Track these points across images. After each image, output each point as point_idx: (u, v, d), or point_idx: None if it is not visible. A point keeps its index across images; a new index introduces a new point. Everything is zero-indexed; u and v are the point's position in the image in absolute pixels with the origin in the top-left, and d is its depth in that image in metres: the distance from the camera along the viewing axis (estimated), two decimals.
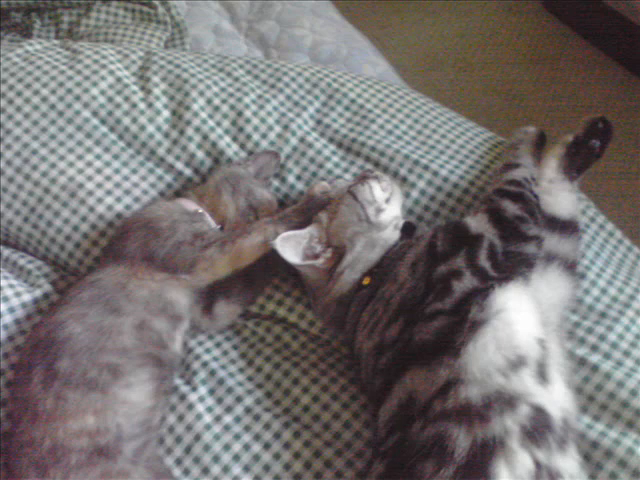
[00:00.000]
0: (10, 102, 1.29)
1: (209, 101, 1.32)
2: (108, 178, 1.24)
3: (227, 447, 0.99)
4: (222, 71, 1.39)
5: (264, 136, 1.30)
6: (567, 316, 1.06)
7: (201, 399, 1.04)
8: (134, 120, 1.30)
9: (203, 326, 1.12)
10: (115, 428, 0.91)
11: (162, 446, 1.00)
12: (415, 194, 1.22)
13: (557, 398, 0.85)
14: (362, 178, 1.10)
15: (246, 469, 0.97)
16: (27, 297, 1.12)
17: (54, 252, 1.21)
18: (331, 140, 1.31)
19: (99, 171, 1.24)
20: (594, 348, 1.03)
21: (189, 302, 1.07)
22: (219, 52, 1.68)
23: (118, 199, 1.22)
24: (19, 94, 1.30)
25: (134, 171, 1.26)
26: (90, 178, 1.23)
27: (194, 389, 1.05)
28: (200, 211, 1.14)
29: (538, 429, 0.80)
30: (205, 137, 1.29)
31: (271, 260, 1.07)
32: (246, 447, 0.99)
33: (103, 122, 1.30)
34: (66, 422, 0.90)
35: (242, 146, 1.29)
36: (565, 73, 2.54)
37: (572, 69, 2.54)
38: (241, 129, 1.30)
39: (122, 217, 1.20)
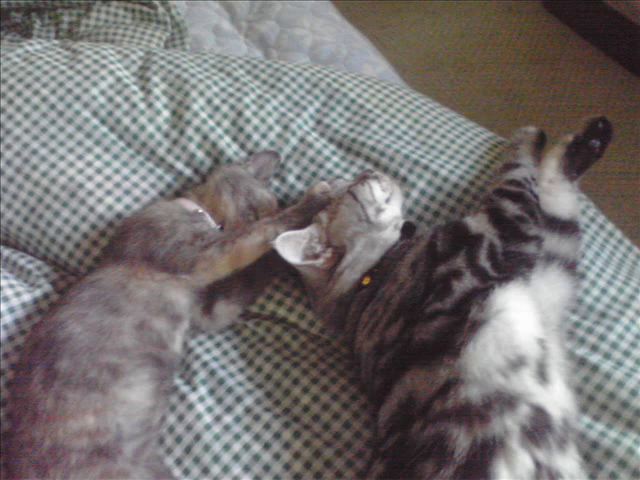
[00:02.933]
0: (10, 102, 1.29)
1: (209, 101, 1.32)
2: (108, 178, 1.24)
3: (227, 447, 0.99)
4: (222, 71, 1.39)
5: (264, 136, 1.30)
6: (567, 316, 1.06)
7: (201, 399, 1.04)
8: (134, 120, 1.30)
9: (203, 326, 1.12)
10: (115, 428, 0.91)
11: (162, 446, 1.00)
12: (415, 194, 1.22)
13: (557, 398, 0.85)
14: (362, 178, 1.10)
15: (246, 469, 0.97)
16: (27, 297, 1.12)
17: (54, 252, 1.21)
18: (331, 140, 1.31)
19: (99, 171, 1.24)
20: (594, 348, 1.03)
21: (189, 302, 1.07)
22: (219, 52, 1.68)
23: (118, 199, 1.22)
24: (19, 94, 1.30)
25: (134, 171, 1.26)
26: (90, 178, 1.23)
27: (194, 389, 1.05)
28: (200, 211, 1.15)
29: (538, 429, 0.80)
30: (205, 137, 1.29)
31: (271, 260, 1.07)
32: (246, 447, 0.99)
33: (103, 122, 1.30)
34: (66, 422, 0.89)
35: (242, 146, 1.29)
36: (565, 73, 2.54)
37: (572, 69, 2.54)
38: (241, 129, 1.30)
39: (122, 217, 1.19)
